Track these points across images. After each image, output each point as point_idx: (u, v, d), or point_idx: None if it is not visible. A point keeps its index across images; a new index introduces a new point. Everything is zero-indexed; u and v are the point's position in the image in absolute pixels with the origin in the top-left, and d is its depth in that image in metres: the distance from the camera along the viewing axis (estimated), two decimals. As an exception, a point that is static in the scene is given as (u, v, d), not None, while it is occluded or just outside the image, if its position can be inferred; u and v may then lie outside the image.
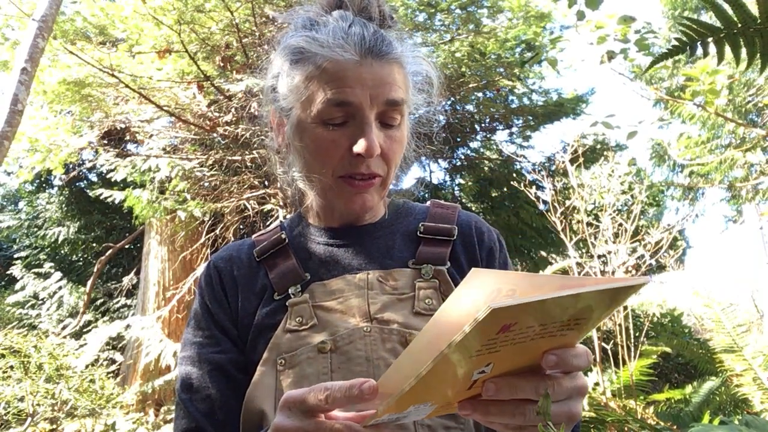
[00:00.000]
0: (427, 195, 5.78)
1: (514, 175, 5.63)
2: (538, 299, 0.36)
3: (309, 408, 0.48)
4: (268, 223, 4.49)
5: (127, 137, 5.82)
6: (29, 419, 3.44)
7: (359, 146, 0.69)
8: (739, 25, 0.90)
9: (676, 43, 0.96)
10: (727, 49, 0.95)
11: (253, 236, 0.86)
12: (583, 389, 0.49)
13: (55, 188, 8.21)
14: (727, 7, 0.89)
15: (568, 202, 3.78)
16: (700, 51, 0.96)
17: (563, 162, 4.02)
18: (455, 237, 0.81)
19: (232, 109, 4.38)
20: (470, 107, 5.85)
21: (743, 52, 0.94)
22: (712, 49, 0.96)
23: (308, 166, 0.75)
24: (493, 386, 0.44)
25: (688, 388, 4.29)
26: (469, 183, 6.30)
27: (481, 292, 0.39)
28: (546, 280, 0.41)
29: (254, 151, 4.34)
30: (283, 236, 0.82)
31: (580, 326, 0.44)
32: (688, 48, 0.95)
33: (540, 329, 0.40)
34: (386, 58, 0.71)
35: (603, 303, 0.42)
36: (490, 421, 0.48)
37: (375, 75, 0.70)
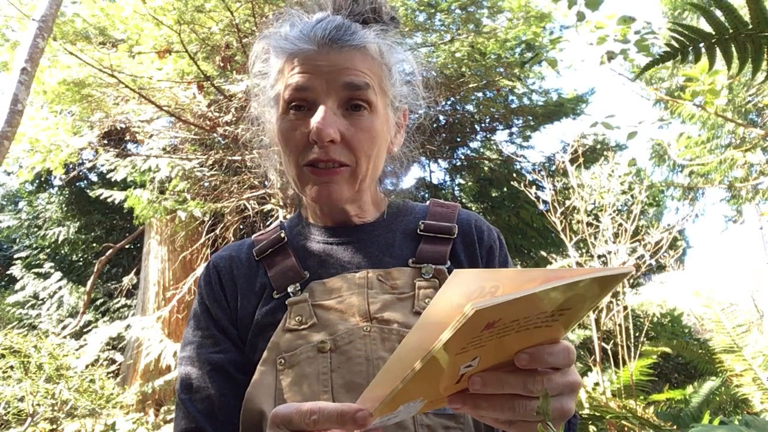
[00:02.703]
0: (427, 195, 5.77)
1: (514, 175, 5.63)
2: (521, 296, 0.36)
3: (295, 428, 0.47)
4: (268, 223, 4.49)
5: (127, 137, 5.83)
6: (29, 419, 3.44)
7: (311, 129, 0.71)
8: (731, 31, 0.89)
9: (668, 49, 0.96)
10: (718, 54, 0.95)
11: (254, 236, 0.87)
12: (576, 386, 0.49)
13: (55, 188, 8.21)
14: (719, 12, 0.89)
15: (568, 202, 3.78)
16: (691, 57, 0.96)
17: (563, 162, 4.02)
18: (455, 235, 0.81)
19: (232, 109, 4.38)
20: (470, 107, 5.84)
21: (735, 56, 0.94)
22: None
23: (281, 157, 0.78)
24: (480, 380, 0.44)
25: (688, 388, 4.29)
26: (469, 183, 6.29)
27: (463, 291, 0.39)
28: (530, 275, 0.40)
29: (254, 151, 4.33)
30: (283, 235, 0.82)
31: (565, 317, 0.43)
32: (679, 54, 0.95)
33: (524, 322, 0.40)
34: (346, 45, 0.72)
35: (588, 293, 0.42)
36: (480, 415, 0.48)
37: (331, 62, 0.72)
